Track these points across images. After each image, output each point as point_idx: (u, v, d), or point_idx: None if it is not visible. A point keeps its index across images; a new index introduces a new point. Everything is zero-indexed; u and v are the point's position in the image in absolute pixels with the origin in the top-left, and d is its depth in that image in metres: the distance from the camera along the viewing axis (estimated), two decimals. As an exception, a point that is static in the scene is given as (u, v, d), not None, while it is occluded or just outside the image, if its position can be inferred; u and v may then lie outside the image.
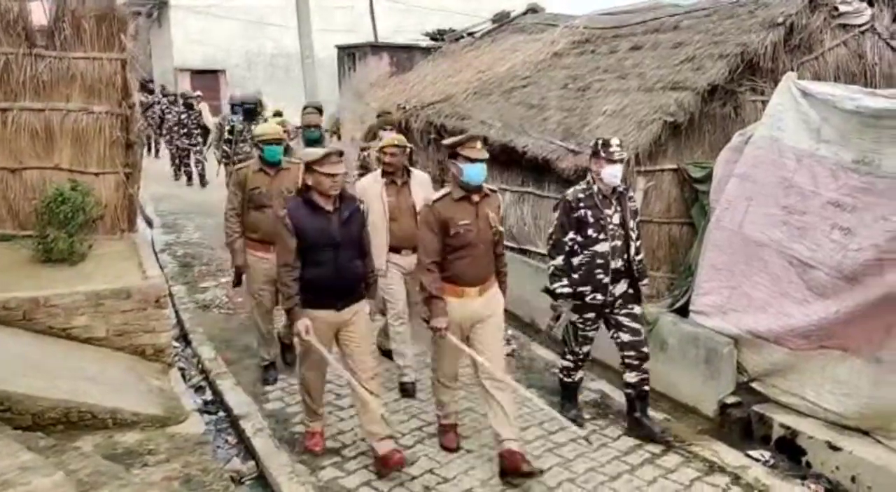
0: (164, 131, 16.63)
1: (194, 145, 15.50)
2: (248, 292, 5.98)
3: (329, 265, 4.38)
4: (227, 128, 10.67)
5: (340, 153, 4.41)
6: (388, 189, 5.65)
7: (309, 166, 4.34)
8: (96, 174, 7.11)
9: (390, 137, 5.86)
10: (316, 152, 4.37)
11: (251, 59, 25.57)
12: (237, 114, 10.97)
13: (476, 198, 4.48)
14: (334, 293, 4.46)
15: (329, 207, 4.41)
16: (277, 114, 11.99)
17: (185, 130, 15.51)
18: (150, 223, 11.93)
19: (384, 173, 5.71)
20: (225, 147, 10.79)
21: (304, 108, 9.32)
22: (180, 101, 16.45)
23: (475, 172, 4.39)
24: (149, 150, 18.76)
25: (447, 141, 4.57)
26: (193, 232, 11.45)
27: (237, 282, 6.17)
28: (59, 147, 7.01)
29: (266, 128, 5.92)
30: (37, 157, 6.96)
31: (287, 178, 5.65)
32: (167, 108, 16.85)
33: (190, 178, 15.86)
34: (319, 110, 9.09)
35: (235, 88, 19.05)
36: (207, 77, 25.02)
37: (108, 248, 6.81)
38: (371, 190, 5.63)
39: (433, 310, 4.44)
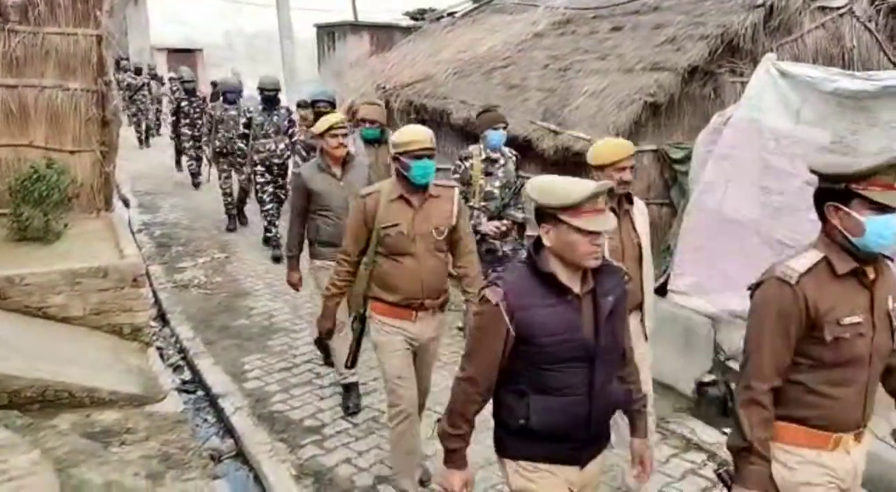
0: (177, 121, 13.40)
1: (197, 138, 12.50)
2: (385, 381, 4.00)
3: (578, 391, 2.50)
4: (244, 120, 8.92)
5: (611, 191, 2.80)
6: None
7: (548, 213, 2.45)
8: (72, 152, 7.02)
9: (621, 142, 3.92)
10: (566, 189, 2.42)
11: (230, 39, 25.29)
12: (233, 103, 9.86)
13: (871, 274, 2.47)
14: (583, 439, 2.59)
15: (577, 288, 2.50)
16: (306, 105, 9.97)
17: (188, 121, 12.57)
18: (126, 203, 11.82)
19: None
20: (240, 143, 9.07)
21: (315, 102, 7.14)
22: (175, 84, 14.48)
23: (883, 229, 2.33)
24: (140, 141, 17.29)
25: (834, 168, 2.46)
26: (170, 212, 11.36)
27: (326, 358, 5.12)
28: (33, 124, 6.90)
29: (416, 133, 3.75)
30: (10, 134, 6.85)
31: (436, 210, 3.79)
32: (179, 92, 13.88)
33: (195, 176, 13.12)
34: (332, 104, 7.15)
35: (213, 68, 18.62)
36: (185, 56, 24.71)
37: (85, 227, 6.74)
38: None
39: (746, 476, 2.49)
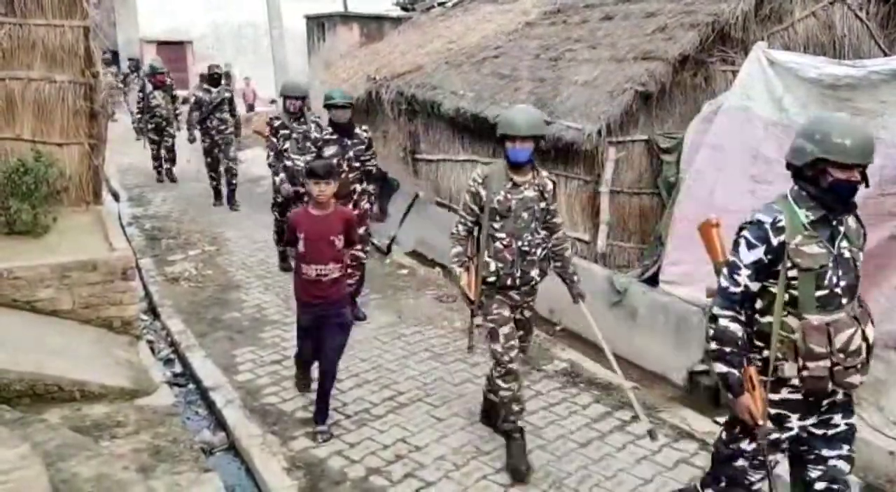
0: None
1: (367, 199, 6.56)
2: None
3: None
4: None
5: None
6: None
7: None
8: (60, 145, 6.95)
9: None
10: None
11: (219, 30, 25.15)
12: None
13: None
14: None
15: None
16: None
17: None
18: (116, 196, 11.75)
19: None
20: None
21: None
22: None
23: None
24: (230, 192, 10.74)
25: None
26: (161, 205, 11.30)
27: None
28: (20, 117, 6.82)
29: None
30: (-3, 127, 6.80)
31: None
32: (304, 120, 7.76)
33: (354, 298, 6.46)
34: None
35: (202, 61, 18.35)
36: (173, 48, 24.57)
37: (74, 220, 6.68)
38: None
39: None
